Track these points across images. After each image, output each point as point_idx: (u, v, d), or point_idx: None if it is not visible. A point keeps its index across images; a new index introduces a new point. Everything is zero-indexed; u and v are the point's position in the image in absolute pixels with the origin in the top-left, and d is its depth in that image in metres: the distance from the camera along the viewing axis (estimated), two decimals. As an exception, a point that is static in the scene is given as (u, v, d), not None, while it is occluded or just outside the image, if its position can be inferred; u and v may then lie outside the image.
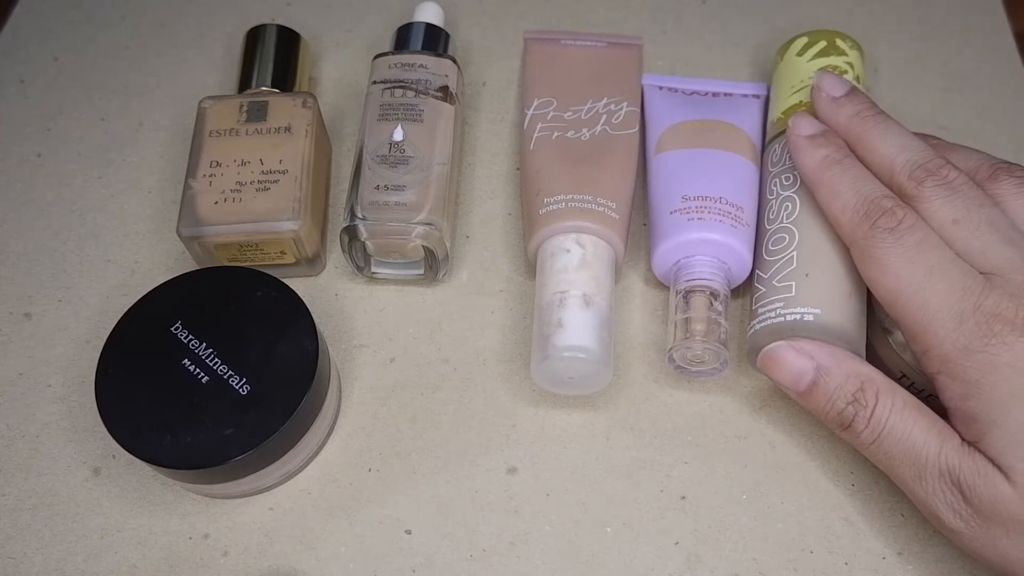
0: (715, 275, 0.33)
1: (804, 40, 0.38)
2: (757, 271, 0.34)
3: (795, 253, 0.32)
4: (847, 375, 0.29)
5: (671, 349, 0.33)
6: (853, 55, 0.37)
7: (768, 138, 0.37)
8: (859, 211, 0.29)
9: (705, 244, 0.34)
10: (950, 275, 0.27)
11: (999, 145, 0.40)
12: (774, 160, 0.36)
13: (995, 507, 0.26)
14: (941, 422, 0.28)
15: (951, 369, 0.27)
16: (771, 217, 0.34)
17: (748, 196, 0.35)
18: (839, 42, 0.37)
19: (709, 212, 0.34)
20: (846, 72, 0.37)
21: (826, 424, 0.30)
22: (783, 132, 0.36)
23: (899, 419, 0.28)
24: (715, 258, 0.34)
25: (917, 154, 0.30)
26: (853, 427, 0.29)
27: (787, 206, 0.34)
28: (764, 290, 0.33)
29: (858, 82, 0.37)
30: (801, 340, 0.30)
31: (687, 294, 0.33)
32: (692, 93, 0.40)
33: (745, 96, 0.40)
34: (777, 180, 0.35)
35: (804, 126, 0.33)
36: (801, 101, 0.36)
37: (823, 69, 0.35)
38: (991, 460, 0.26)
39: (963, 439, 0.27)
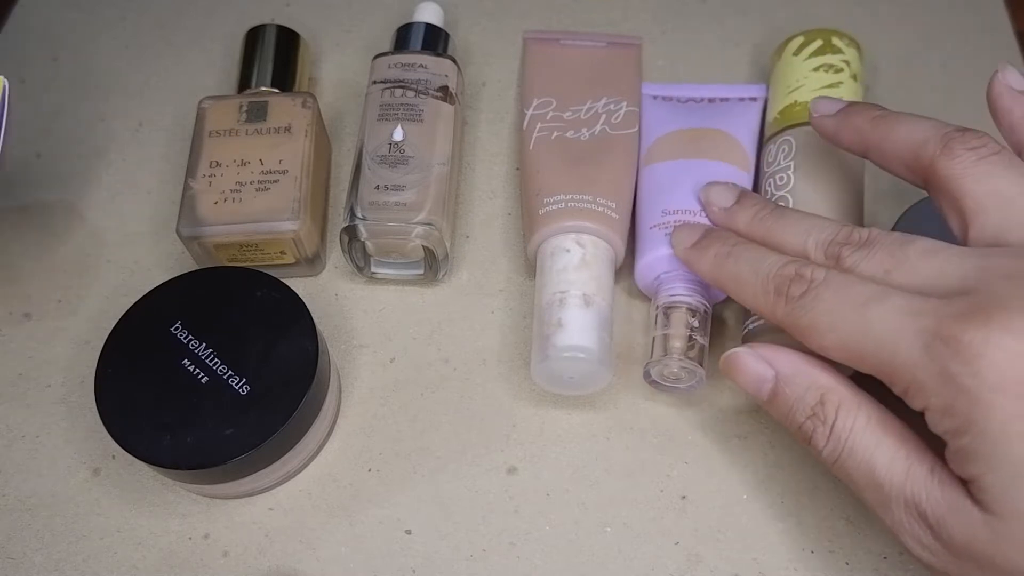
0: (694, 291, 0.33)
1: (800, 39, 0.38)
2: None
3: None
4: (807, 386, 0.27)
5: (648, 365, 0.33)
6: (850, 53, 0.37)
7: (765, 140, 0.37)
8: (768, 292, 0.27)
9: (680, 261, 0.33)
10: (887, 299, 0.24)
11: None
12: (769, 160, 0.36)
13: (970, 546, 0.23)
14: (912, 442, 0.25)
15: (938, 403, 0.23)
16: None
17: None
18: (835, 40, 0.37)
19: None
20: (842, 70, 0.36)
21: (793, 437, 0.28)
22: (779, 132, 0.36)
23: (860, 439, 0.25)
24: (695, 274, 0.33)
25: (824, 232, 0.28)
26: (813, 443, 0.27)
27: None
28: None
29: (855, 80, 0.37)
30: (763, 345, 0.28)
31: (667, 310, 0.33)
32: (688, 100, 0.39)
33: (742, 100, 0.39)
34: (772, 180, 0.35)
35: (684, 239, 0.32)
36: (796, 101, 0.36)
37: (709, 184, 0.33)
38: (980, 503, 0.23)
39: (954, 474, 0.24)
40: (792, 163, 0.35)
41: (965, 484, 0.23)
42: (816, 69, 0.37)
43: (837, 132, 0.31)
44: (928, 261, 0.25)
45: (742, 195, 0.32)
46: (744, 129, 0.37)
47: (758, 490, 0.32)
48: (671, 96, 0.40)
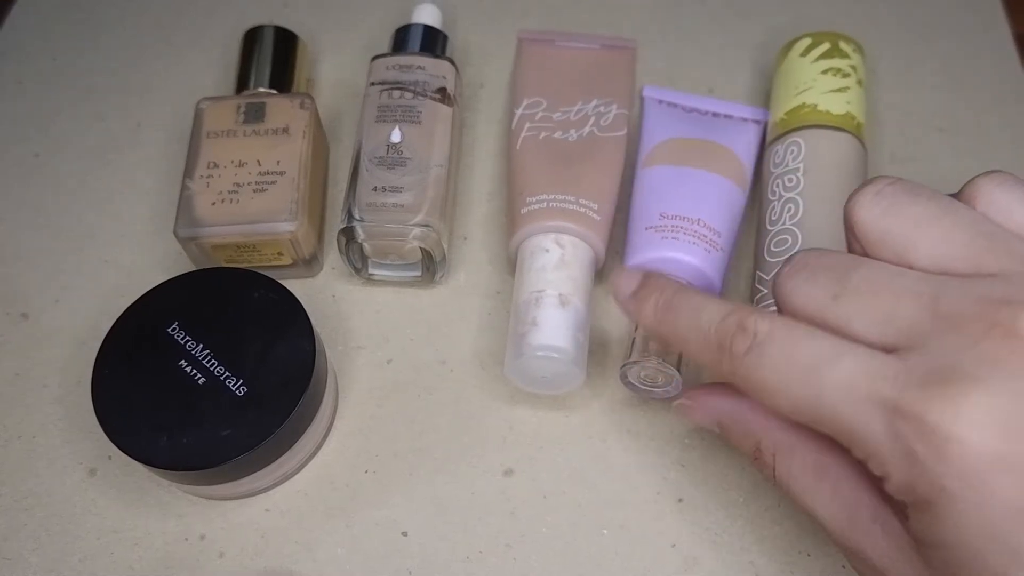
0: None
1: (808, 41, 0.38)
2: (759, 273, 0.34)
3: None
4: (743, 433, 0.27)
5: (625, 366, 0.32)
6: (856, 58, 0.37)
7: (769, 140, 0.37)
8: (711, 347, 0.25)
9: (675, 264, 0.33)
10: (840, 360, 0.22)
11: (999, 145, 0.40)
12: (776, 162, 0.36)
13: None
14: (849, 489, 0.24)
15: (899, 480, 0.21)
16: (773, 219, 0.34)
17: (728, 221, 0.35)
18: (842, 45, 0.37)
19: (685, 232, 0.33)
20: (849, 75, 0.36)
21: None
22: (786, 133, 0.36)
23: (798, 484, 0.25)
24: (683, 278, 0.33)
25: (717, 312, 0.25)
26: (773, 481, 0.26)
27: (790, 208, 0.34)
28: (765, 292, 0.33)
29: (860, 86, 0.37)
30: (699, 391, 0.28)
31: None
32: (691, 111, 0.39)
33: (744, 120, 0.39)
34: (780, 181, 0.35)
35: (622, 287, 0.29)
36: (804, 103, 0.36)
37: (615, 272, 0.30)
38: (930, 566, 0.22)
39: (897, 519, 0.23)
40: (801, 165, 0.35)
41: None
42: (825, 72, 0.37)
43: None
44: (882, 290, 0.23)
45: (643, 281, 0.29)
46: (744, 147, 0.37)
47: (754, 493, 0.32)
48: (675, 103, 0.40)
